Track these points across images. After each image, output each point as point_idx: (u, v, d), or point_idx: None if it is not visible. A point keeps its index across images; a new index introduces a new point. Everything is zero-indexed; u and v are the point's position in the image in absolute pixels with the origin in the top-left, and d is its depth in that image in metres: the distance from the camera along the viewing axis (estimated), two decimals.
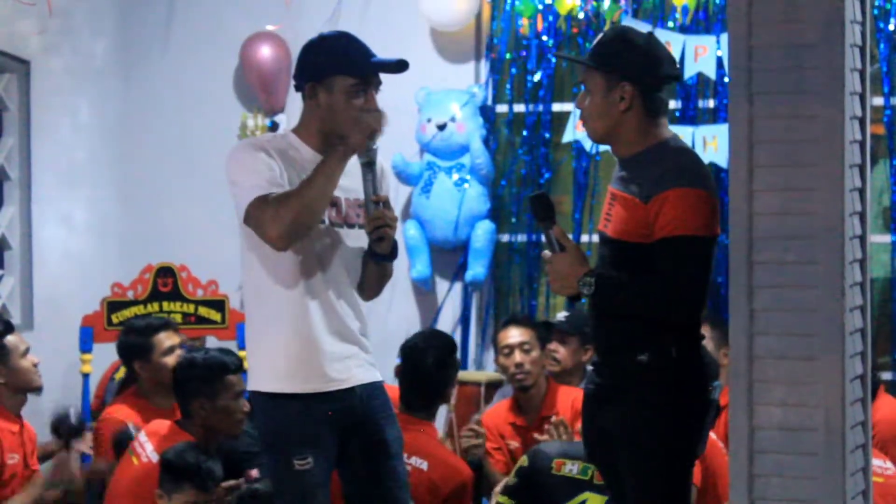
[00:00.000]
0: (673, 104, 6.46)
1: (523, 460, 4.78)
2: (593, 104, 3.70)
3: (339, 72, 3.81)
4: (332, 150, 3.77)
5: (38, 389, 5.31)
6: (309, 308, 3.82)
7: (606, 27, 6.48)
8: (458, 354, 6.80)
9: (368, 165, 3.82)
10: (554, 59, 6.68)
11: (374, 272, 3.97)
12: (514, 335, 5.65)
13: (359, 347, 3.92)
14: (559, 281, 3.68)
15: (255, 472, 4.73)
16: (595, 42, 3.76)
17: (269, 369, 3.84)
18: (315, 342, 3.82)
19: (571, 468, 4.61)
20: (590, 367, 3.93)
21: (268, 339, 3.85)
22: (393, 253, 3.89)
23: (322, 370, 3.83)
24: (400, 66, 3.86)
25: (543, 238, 3.77)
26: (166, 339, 5.49)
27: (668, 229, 3.52)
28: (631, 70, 3.64)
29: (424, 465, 4.86)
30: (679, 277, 3.54)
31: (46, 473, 5.39)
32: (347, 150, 3.77)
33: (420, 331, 5.89)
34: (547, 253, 3.71)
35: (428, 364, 5.06)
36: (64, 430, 5.40)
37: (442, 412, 5.49)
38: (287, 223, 3.69)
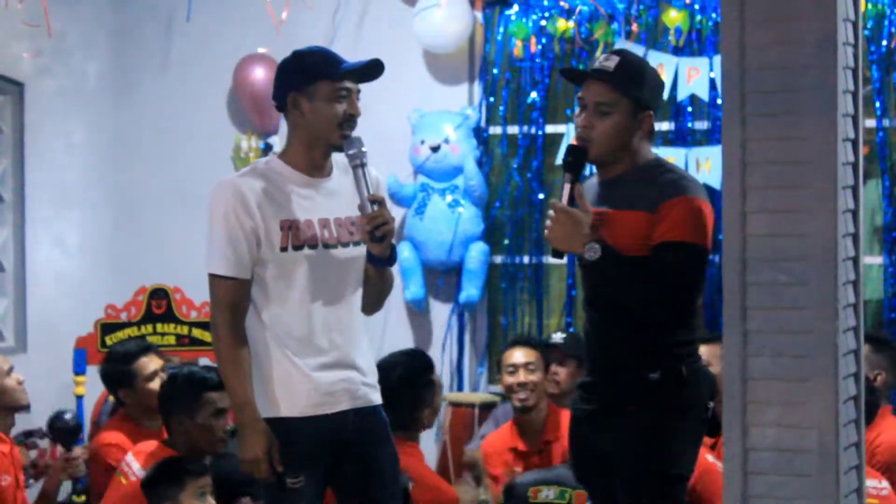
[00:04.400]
0: (666, 126, 6.48)
1: (500, 499, 4.79)
2: (613, 124, 3.73)
3: (319, 77, 3.85)
4: (241, 443, 3.84)
5: (25, 408, 5.30)
6: (299, 335, 3.82)
7: (599, 49, 6.50)
8: (450, 376, 6.81)
9: (360, 168, 3.83)
10: (548, 81, 6.70)
11: (374, 281, 3.97)
12: (520, 355, 5.63)
13: (355, 371, 3.91)
14: (564, 235, 3.62)
15: (246, 501, 4.71)
16: (618, 63, 3.76)
17: (260, 395, 3.84)
18: (304, 370, 3.82)
19: (548, 493, 4.61)
20: (578, 389, 3.93)
21: (258, 365, 3.84)
22: (392, 257, 3.89)
23: (311, 396, 3.82)
24: (374, 66, 3.86)
25: (564, 189, 3.69)
26: (149, 363, 5.43)
27: (671, 234, 3.58)
28: (652, 99, 3.78)
29: (409, 486, 4.83)
30: (674, 278, 3.59)
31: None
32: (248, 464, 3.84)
33: (403, 349, 5.61)
34: (556, 201, 3.66)
35: (393, 379, 4.85)
36: (61, 428, 5.38)
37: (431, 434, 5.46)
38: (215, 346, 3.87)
